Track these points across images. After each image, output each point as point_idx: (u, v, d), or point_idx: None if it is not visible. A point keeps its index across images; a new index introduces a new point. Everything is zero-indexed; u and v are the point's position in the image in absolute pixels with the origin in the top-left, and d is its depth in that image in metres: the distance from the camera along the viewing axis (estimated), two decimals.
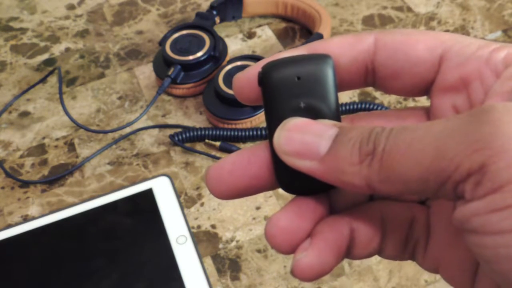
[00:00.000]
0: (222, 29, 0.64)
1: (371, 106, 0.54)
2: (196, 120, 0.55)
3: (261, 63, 0.21)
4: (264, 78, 0.20)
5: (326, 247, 0.19)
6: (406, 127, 0.17)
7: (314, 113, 0.20)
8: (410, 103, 0.56)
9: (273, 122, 0.20)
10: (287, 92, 0.20)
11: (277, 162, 0.20)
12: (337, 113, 0.20)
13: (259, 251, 0.45)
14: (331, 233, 0.20)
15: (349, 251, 0.20)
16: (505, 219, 0.15)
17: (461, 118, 0.16)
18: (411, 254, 0.21)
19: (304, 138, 0.19)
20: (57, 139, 0.54)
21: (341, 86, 0.21)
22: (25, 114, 0.57)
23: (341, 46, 0.21)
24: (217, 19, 0.62)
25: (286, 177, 0.20)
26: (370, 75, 0.21)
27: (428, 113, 0.21)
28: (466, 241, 0.16)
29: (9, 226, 0.47)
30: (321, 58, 0.20)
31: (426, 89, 0.21)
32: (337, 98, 0.20)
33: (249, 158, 0.20)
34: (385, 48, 0.20)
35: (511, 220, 0.14)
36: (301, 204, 0.20)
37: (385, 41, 0.20)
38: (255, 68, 0.21)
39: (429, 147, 0.16)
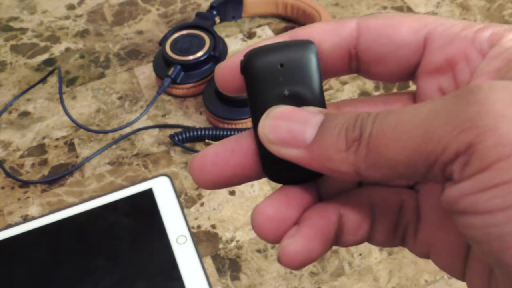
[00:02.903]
0: (222, 29, 0.64)
1: None
2: (196, 120, 0.55)
3: (244, 51, 0.20)
4: (246, 66, 0.20)
5: (313, 233, 0.19)
6: (392, 110, 0.17)
7: (298, 100, 0.19)
8: None
9: (257, 111, 0.20)
10: (271, 79, 0.19)
11: (262, 152, 0.19)
12: (322, 99, 0.20)
13: (259, 251, 0.45)
14: (318, 219, 0.19)
15: (338, 238, 0.20)
16: (494, 198, 0.14)
17: (447, 99, 0.16)
18: (401, 239, 0.21)
19: (289, 126, 0.18)
20: (57, 139, 0.54)
21: (325, 73, 0.21)
22: (25, 114, 0.57)
23: (323, 32, 0.20)
24: (217, 19, 0.62)
25: (272, 167, 0.20)
26: (354, 61, 0.21)
27: (415, 97, 0.21)
28: (456, 223, 0.16)
29: (9, 226, 0.47)
30: (304, 44, 0.20)
31: (411, 73, 0.21)
32: (321, 84, 0.20)
33: (233, 148, 0.20)
34: (368, 32, 0.20)
35: (501, 199, 0.14)
36: (287, 192, 0.20)
37: (367, 25, 0.20)
38: (237, 57, 0.20)
39: (415, 130, 0.16)
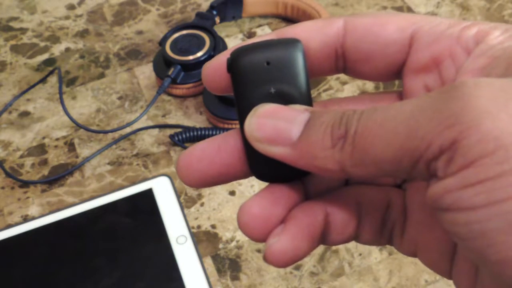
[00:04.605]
0: (222, 29, 0.64)
1: None
2: (196, 120, 0.55)
3: (230, 50, 0.20)
4: (233, 64, 0.20)
5: (299, 231, 0.19)
6: (377, 108, 0.17)
7: (285, 99, 0.19)
8: None
9: (243, 109, 0.19)
10: (257, 77, 0.19)
11: (249, 150, 0.19)
12: (309, 97, 0.20)
13: (259, 251, 0.45)
14: (304, 218, 0.19)
15: (325, 237, 0.20)
16: (477, 194, 0.14)
17: (432, 96, 0.16)
18: (388, 238, 0.21)
19: (275, 124, 0.18)
20: (57, 139, 0.54)
21: (312, 72, 0.21)
22: (25, 114, 0.57)
23: (310, 31, 0.20)
24: (217, 19, 0.62)
25: (259, 165, 0.20)
26: (340, 60, 0.21)
27: (401, 96, 0.21)
28: (440, 220, 0.16)
29: (9, 226, 0.47)
30: (291, 42, 0.20)
31: (397, 72, 0.21)
32: (308, 82, 0.20)
33: (219, 146, 0.20)
34: (355, 31, 0.20)
35: (484, 195, 0.14)
36: (274, 191, 0.20)
37: (354, 23, 0.20)
38: (223, 55, 0.20)
39: (400, 127, 0.16)
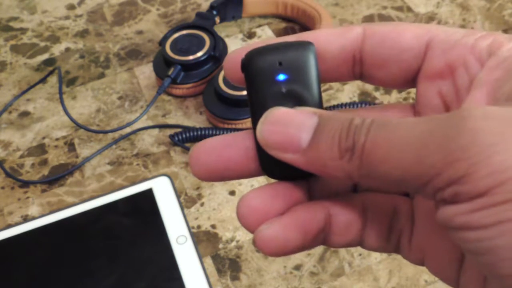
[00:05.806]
0: (222, 29, 0.64)
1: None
2: (196, 120, 0.55)
3: (253, 45, 0.21)
4: (246, 64, 0.20)
5: (293, 223, 0.19)
6: (387, 122, 0.17)
7: (295, 99, 0.20)
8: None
9: (255, 109, 0.20)
10: (269, 78, 0.20)
11: (260, 150, 0.20)
12: (319, 98, 0.20)
13: (259, 251, 0.45)
14: (302, 213, 0.20)
15: (326, 238, 0.21)
16: (488, 216, 0.15)
17: (441, 122, 0.16)
18: (395, 246, 0.21)
19: (285, 131, 0.19)
20: (57, 139, 0.54)
21: (328, 77, 0.21)
22: (25, 114, 0.57)
23: (330, 36, 0.21)
24: (217, 19, 0.62)
25: (270, 164, 0.20)
26: (357, 65, 0.21)
27: (414, 106, 0.21)
28: (451, 236, 0.16)
29: (9, 226, 0.47)
30: (303, 44, 0.20)
31: (412, 79, 0.21)
32: (319, 83, 0.20)
33: (229, 142, 0.21)
34: (373, 37, 0.21)
35: (494, 217, 0.15)
36: (276, 186, 0.20)
37: (373, 30, 0.21)
38: (244, 49, 0.21)
39: (409, 150, 0.16)
